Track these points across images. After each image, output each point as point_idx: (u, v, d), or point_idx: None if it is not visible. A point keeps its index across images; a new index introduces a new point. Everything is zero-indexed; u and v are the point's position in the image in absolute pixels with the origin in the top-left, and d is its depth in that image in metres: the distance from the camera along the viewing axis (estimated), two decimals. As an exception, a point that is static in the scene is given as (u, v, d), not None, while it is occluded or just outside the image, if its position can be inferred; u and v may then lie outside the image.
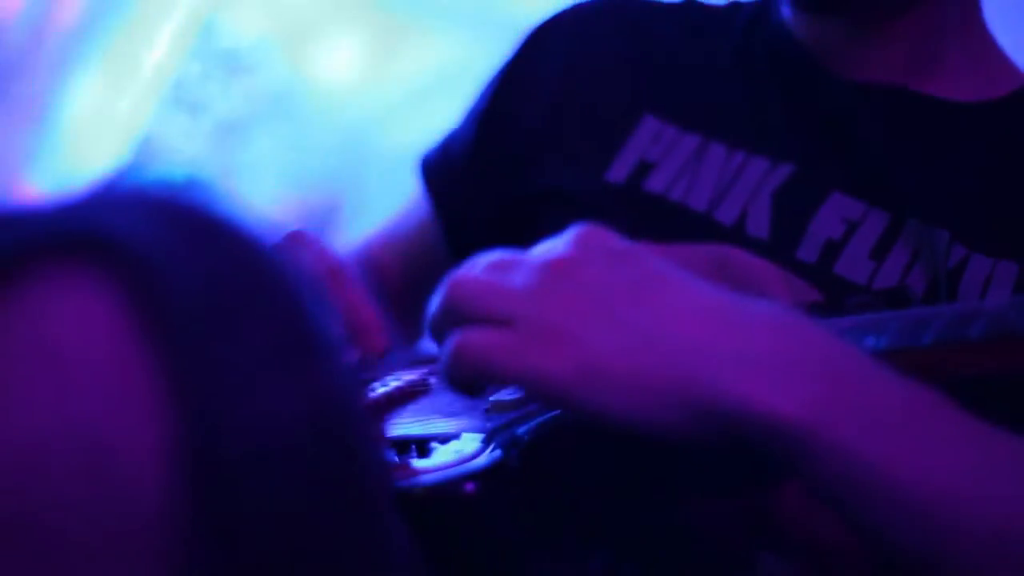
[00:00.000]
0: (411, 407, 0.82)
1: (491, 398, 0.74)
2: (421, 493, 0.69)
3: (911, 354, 0.64)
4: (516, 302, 0.61)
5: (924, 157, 0.90)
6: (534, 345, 0.60)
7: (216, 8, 2.59)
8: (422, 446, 0.74)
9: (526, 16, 1.11)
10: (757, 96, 0.97)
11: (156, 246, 0.48)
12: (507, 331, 0.60)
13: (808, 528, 0.73)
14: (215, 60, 2.63)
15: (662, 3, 1.08)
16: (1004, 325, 0.62)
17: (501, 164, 1.05)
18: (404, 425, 0.78)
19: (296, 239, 0.80)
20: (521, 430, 0.70)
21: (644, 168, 0.96)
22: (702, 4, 1.08)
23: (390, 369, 0.88)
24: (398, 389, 0.81)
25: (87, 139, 2.54)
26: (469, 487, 0.68)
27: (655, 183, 0.95)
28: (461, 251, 1.09)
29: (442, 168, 1.12)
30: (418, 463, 0.72)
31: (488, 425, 0.73)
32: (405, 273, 1.14)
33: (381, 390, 0.81)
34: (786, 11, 0.97)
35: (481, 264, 0.64)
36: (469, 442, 0.72)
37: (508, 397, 0.73)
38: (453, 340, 0.62)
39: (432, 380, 0.85)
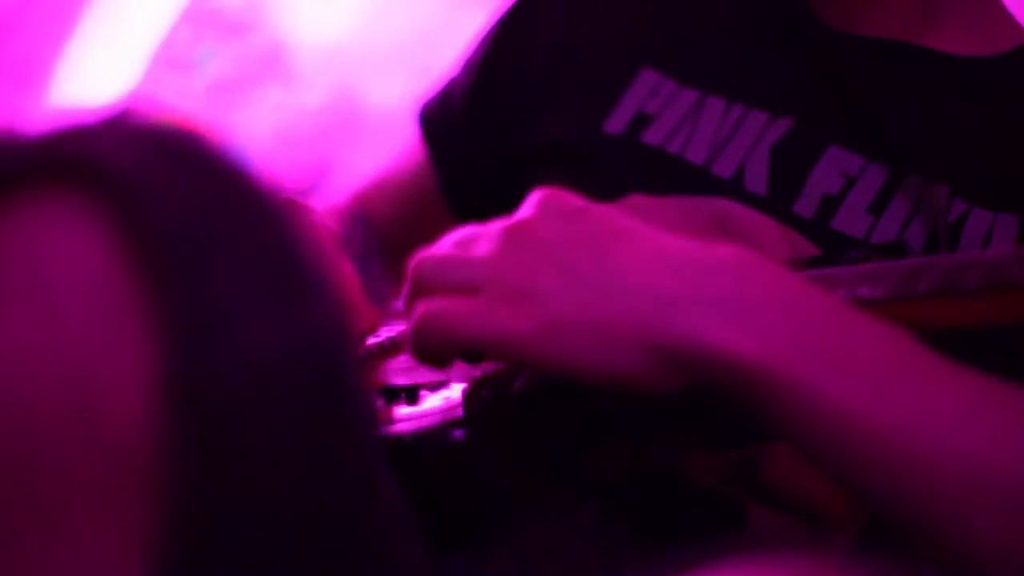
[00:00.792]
0: (403, 357, 0.81)
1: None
2: (409, 439, 0.68)
3: (906, 304, 0.64)
4: (478, 269, 0.62)
5: (924, 111, 0.89)
6: (497, 307, 0.60)
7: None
8: (411, 394, 0.73)
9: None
10: (756, 51, 0.96)
11: (145, 173, 0.48)
12: (470, 298, 0.61)
13: (797, 482, 0.72)
14: (206, 21, 2.61)
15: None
16: (1001, 276, 0.62)
17: (500, 115, 1.05)
18: (395, 373, 0.77)
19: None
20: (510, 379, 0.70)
21: (642, 120, 0.95)
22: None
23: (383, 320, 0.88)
24: (389, 339, 0.80)
25: (79, 100, 2.52)
26: (457, 434, 0.68)
27: (653, 135, 0.94)
28: (457, 201, 1.09)
29: (441, 118, 1.11)
30: (406, 410, 0.72)
31: (478, 372, 0.72)
32: (400, 221, 1.13)
33: (372, 340, 0.81)
34: None
35: (446, 241, 0.65)
36: (459, 390, 0.71)
37: None
38: (417, 310, 0.62)
39: None
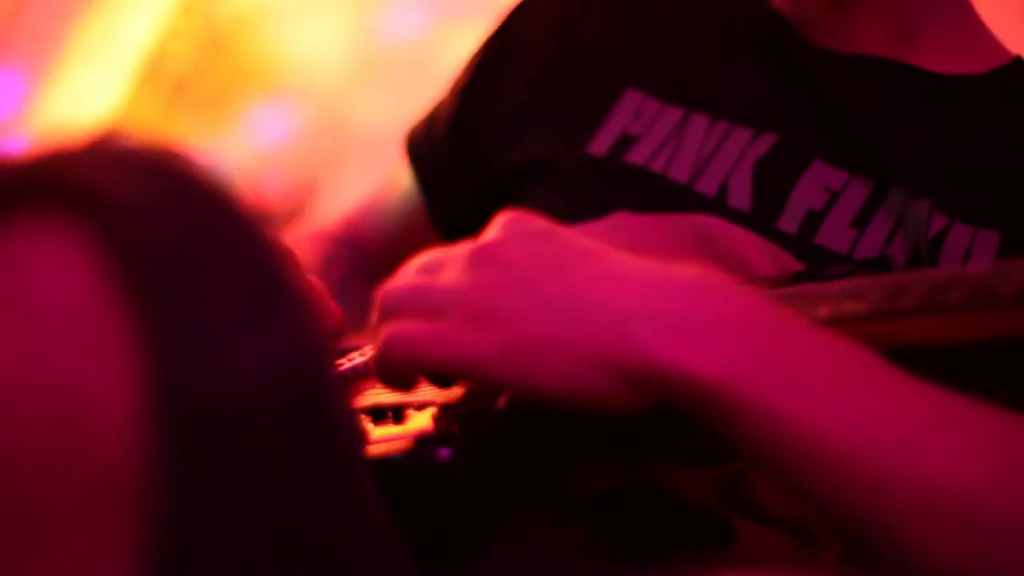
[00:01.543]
0: None
1: None
2: (394, 460, 0.68)
3: (889, 320, 0.64)
4: (443, 295, 0.62)
5: (906, 126, 0.90)
6: (461, 330, 0.61)
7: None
8: (398, 412, 0.73)
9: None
10: (740, 68, 0.96)
11: (129, 196, 0.48)
12: (435, 322, 0.62)
13: (784, 496, 0.72)
14: (197, 38, 2.62)
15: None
16: (986, 291, 0.62)
17: (484, 138, 1.05)
18: (381, 393, 0.77)
19: None
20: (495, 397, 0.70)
21: (626, 141, 0.95)
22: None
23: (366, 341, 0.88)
24: (364, 363, 0.81)
25: (69, 119, 2.52)
26: (443, 453, 0.68)
27: (636, 155, 0.94)
28: (445, 225, 1.10)
29: (426, 144, 1.12)
30: (392, 430, 0.72)
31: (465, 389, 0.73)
32: (389, 244, 1.14)
33: (358, 360, 0.81)
34: None
35: (411, 268, 0.66)
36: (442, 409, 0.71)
37: None
38: (382, 334, 0.63)
39: None
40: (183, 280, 0.47)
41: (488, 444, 0.69)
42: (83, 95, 2.51)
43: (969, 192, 0.86)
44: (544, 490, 0.74)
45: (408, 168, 1.12)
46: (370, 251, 1.14)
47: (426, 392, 0.73)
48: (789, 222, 0.88)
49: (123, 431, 0.46)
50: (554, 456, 0.73)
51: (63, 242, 0.47)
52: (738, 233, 0.87)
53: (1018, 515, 0.58)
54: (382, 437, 0.71)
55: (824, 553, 0.74)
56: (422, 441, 0.69)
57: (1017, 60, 0.95)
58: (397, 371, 0.63)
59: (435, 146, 1.10)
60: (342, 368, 0.80)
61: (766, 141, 0.91)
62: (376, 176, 1.21)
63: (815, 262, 0.85)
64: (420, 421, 0.72)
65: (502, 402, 0.69)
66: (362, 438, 0.66)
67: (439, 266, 0.65)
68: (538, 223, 0.65)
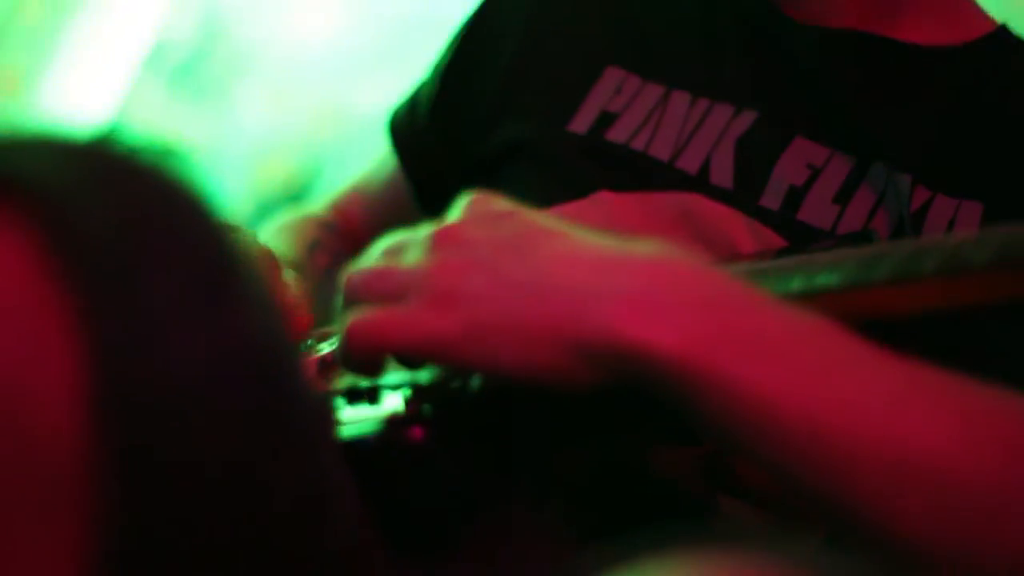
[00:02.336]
0: None
1: None
2: (367, 441, 0.68)
3: (863, 291, 0.63)
4: (405, 279, 0.63)
5: (887, 100, 0.89)
6: (423, 313, 0.61)
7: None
8: (373, 394, 0.73)
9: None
10: (720, 45, 0.95)
11: (72, 189, 0.48)
12: (398, 306, 0.62)
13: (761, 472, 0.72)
14: (194, 25, 2.61)
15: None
16: (960, 260, 0.61)
17: (465, 118, 1.05)
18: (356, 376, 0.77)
19: None
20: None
21: (606, 119, 0.95)
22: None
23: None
24: (332, 353, 0.80)
25: (68, 108, 2.52)
26: (416, 433, 0.67)
27: (617, 133, 0.94)
28: (430, 205, 1.09)
29: (408, 125, 1.12)
30: (363, 412, 0.71)
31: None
32: (375, 227, 1.13)
33: (327, 350, 0.81)
34: None
35: (374, 253, 0.67)
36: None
37: None
38: (345, 323, 0.63)
39: None
40: (126, 272, 0.47)
41: (462, 424, 0.69)
42: (84, 83, 2.51)
43: (951, 164, 0.85)
44: (523, 470, 0.74)
45: (391, 151, 1.12)
46: (356, 234, 1.14)
47: (401, 374, 0.73)
48: (771, 199, 0.87)
49: (67, 427, 0.45)
50: (532, 436, 0.72)
51: (3, 236, 0.46)
52: (721, 210, 0.86)
53: (993, 487, 0.57)
54: (356, 419, 0.70)
55: (807, 529, 0.73)
56: (394, 422, 0.68)
57: (1001, 28, 0.94)
58: (361, 359, 0.64)
59: (417, 129, 1.10)
60: (315, 357, 0.80)
61: (747, 118, 0.91)
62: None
63: (798, 238, 0.84)
64: (395, 402, 0.71)
65: (475, 382, 0.68)
66: (330, 422, 0.65)
67: (402, 248, 0.65)
68: (500, 204, 0.65)
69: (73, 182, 0.48)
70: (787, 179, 0.87)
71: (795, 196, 0.87)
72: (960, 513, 0.57)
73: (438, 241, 0.64)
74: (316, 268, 1.06)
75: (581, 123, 0.95)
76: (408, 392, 0.71)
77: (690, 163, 0.90)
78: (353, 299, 0.65)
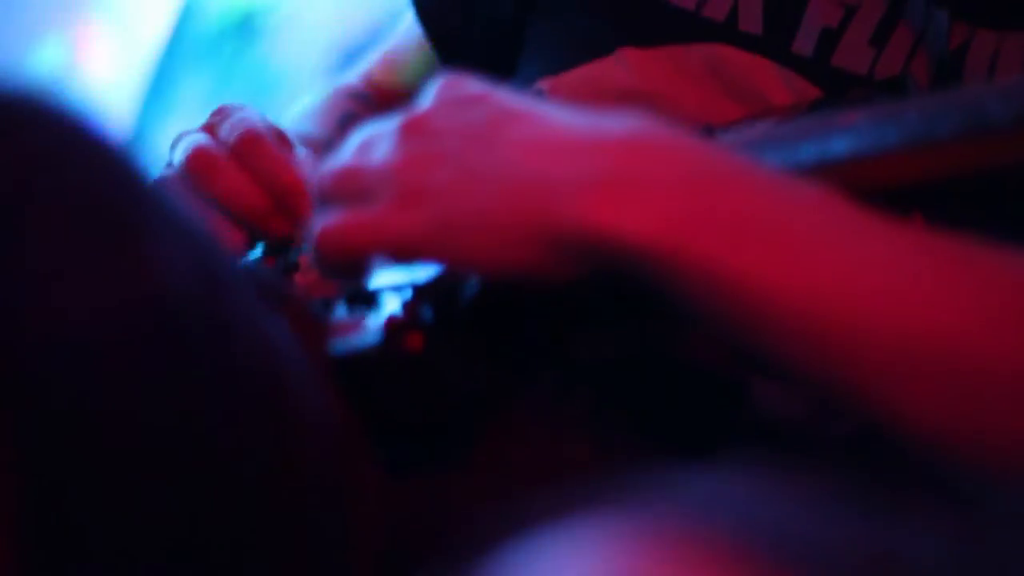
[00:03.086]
0: None
1: None
2: (359, 356, 0.64)
3: (877, 160, 0.57)
4: (375, 176, 0.59)
5: None
6: (392, 212, 0.58)
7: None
8: (371, 297, 0.69)
9: None
10: None
11: None
12: (367, 206, 0.59)
13: None
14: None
15: None
16: (979, 117, 0.55)
17: None
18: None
19: (219, 111, 0.81)
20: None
21: None
22: None
23: None
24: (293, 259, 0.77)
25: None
26: (412, 342, 0.63)
27: None
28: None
29: None
30: (365, 317, 0.67)
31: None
32: (406, 94, 1.09)
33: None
34: None
35: (347, 148, 0.63)
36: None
37: None
38: (315, 227, 0.60)
39: None
40: (4, 225, 0.43)
41: (466, 323, 0.65)
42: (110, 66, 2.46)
43: None
44: (542, 364, 0.70)
45: (416, 19, 1.07)
46: (391, 102, 1.10)
47: (399, 274, 0.69)
48: (804, 44, 0.81)
49: None
50: (544, 326, 0.68)
51: None
52: (750, 60, 0.81)
53: (1011, 366, 0.51)
54: (352, 325, 0.67)
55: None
56: (391, 330, 0.64)
57: None
58: (336, 265, 0.61)
59: None
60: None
61: None
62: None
63: (832, 86, 0.78)
64: (394, 305, 0.67)
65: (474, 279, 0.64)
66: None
67: (373, 142, 0.61)
68: (471, 87, 0.61)
69: None
70: (820, 21, 0.81)
71: (829, 39, 0.80)
72: (977, 397, 0.51)
73: (406, 132, 0.60)
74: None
75: None
76: (407, 293, 0.67)
77: (717, 10, 0.84)
78: (324, 200, 0.62)
